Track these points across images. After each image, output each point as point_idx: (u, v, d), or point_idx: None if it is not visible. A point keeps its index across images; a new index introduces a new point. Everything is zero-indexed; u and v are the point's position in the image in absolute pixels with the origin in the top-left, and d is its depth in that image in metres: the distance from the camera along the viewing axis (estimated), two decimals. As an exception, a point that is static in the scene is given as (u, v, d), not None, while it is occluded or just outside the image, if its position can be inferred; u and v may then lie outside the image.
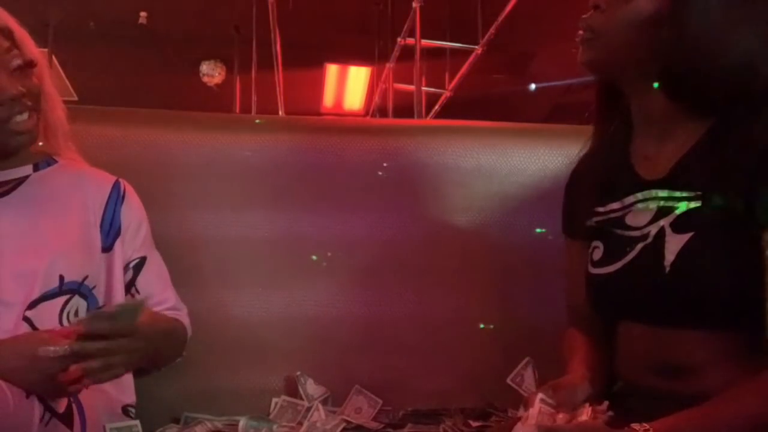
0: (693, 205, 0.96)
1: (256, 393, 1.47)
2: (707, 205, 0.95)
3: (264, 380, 1.49)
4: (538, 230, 1.54)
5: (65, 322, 1.19)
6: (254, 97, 5.87)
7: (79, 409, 1.14)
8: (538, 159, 1.59)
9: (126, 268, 1.31)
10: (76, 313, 1.21)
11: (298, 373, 1.46)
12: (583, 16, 1.04)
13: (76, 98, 6.71)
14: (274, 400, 1.45)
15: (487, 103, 6.11)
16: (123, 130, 1.54)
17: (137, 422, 1.19)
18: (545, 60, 6.45)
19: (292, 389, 1.47)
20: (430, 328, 1.54)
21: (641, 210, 1.02)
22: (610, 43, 1.01)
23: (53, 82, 1.30)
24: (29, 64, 1.21)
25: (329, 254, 1.54)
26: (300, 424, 1.39)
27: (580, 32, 1.04)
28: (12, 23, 1.22)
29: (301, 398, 1.44)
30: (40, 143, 1.28)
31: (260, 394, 1.46)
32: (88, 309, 1.22)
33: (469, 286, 1.56)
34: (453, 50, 5.26)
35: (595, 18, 1.02)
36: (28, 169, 1.26)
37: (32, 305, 1.17)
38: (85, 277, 1.23)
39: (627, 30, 0.99)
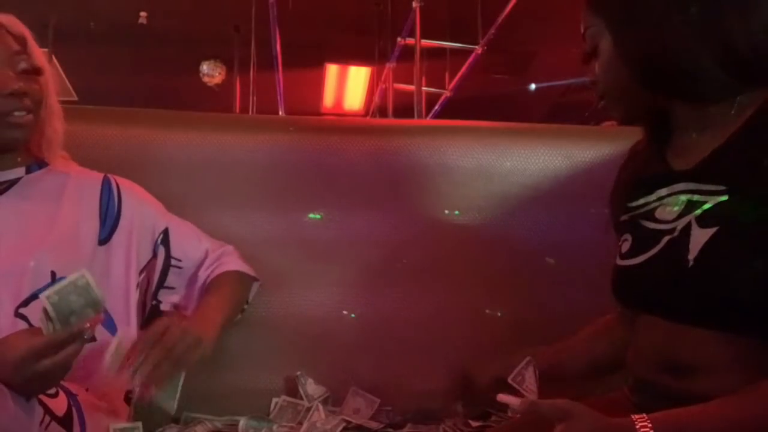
0: (720, 199, 0.96)
1: (256, 393, 1.47)
2: (734, 200, 0.95)
3: (264, 380, 1.49)
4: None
5: None
6: (253, 98, 5.87)
7: (79, 413, 1.14)
8: (538, 159, 1.59)
9: (156, 247, 1.35)
10: None
11: (298, 373, 1.46)
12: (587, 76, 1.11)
13: (76, 98, 6.72)
14: (274, 400, 1.45)
15: (487, 103, 6.11)
16: (123, 130, 1.54)
17: (139, 424, 1.21)
18: (545, 60, 6.45)
19: (292, 389, 1.47)
20: (431, 328, 1.54)
21: (671, 203, 1.02)
22: (611, 90, 1.07)
23: (57, 95, 1.33)
24: (36, 71, 1.26)
25: (329, 254, 1.54)
26: (300, 424, 1.39)
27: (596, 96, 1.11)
28: (27, 34, 1.28)
29: (301, 398, 1.44)
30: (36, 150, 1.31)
31: (260, 394, 1.46)
32: None
33: (470, 286, 1.56)
34: (453, 50, 5.26)
35: (589, 73, 1.10)
36: (20, 171, 1.28)
37: (26, 302, 1.18)
38: None
39: (611, 74, 1.05)
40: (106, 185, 1.34)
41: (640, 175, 1.11)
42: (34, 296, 1.19)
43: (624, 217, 1.11)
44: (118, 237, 1.31)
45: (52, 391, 1.11)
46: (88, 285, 0.98)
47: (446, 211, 1.57)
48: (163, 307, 1.38)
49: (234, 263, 1.41)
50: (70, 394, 1.15)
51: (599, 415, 0.90)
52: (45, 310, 0.97)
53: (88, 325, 1.00)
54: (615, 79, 1.05)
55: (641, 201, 1.08)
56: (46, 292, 0.97)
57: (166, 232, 1.37)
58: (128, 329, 1.30)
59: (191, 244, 1.39)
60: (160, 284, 1.37)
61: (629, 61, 1.02)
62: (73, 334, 0.99)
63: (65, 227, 1.27)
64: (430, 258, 1.56)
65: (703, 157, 1.00)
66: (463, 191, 1.58)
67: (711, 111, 1.01)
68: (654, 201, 1.06)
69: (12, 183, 1.27)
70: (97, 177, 1.36)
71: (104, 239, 1.30)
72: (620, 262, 1.08)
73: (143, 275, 1.35)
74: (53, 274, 1.21)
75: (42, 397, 1.07)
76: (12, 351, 0.98)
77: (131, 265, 1.32)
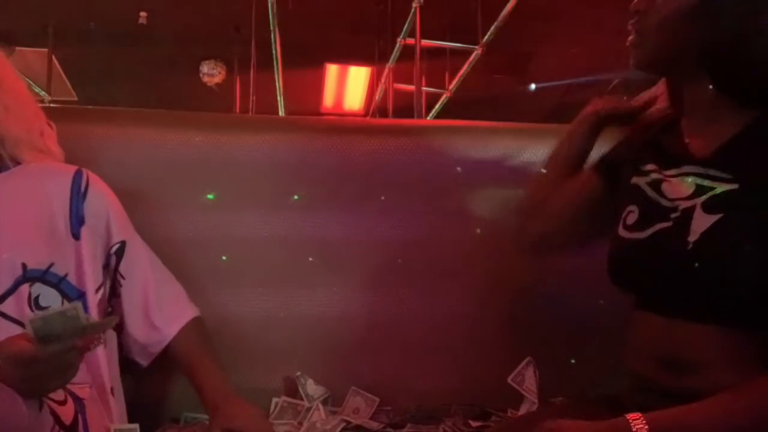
0: (728, 187, 0.96)
1: (256, 393, 1.46)
2: (742, 190, 0.95)
3: (264, 380, 1.49)
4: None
5: (36, 310, 1.20)
6: (253, 98, 5.88)
7: (84, 420, 1.16)
8: (538, 159, 1.59)
9: (109, 255, 1.33)
10: (37, 301, 1.22)
11: (298, 373, 1.46)
12: (630, 21, 1.08)
13: (76, 98, 6.72)
14: (274, 400, 1.45)
15: (487, 103, 6.12)
16: (123, 130, 1.54)
17: (137, 425, 1.21)
18: (545, 60, 6.46)
19: (292, 389, 1.47)
20: (430, 328, 1.54)
21: (680, 184, 1.02)
22: (657, 41, 1.05)
23: (21, 96, 1.30)
24: None
25: (329, 254, 1.54)
26: (300, 424, 1.39)
27: (630, 38, 1.08)
28: None
29: (301, 398, 1.44)
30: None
31: (260, 394, 1.46)
32: (63, 296, 1.23)
33: (469, 286, 1.56)
34: (453, 50, 5.26)
35: (640, 21, 1.06)
36: None
37: (2, 299, 1.19)
38: (51, 265, 1.24)
39: (670, 25, 1.03)
40: (76, 179, 1.30)
41: (656, 142, 1.11)
42: (7, 293, 1.19)
43: (635, 180, 1.10)
44: (85, 233, 1.29)
45: (61, 397, 1.12)
46: (77, 316, 0.97)
47: (446, 211, 1.57)
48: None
49: (191, 310, 1.39)
50: (76, 399, 1.16)
51: (590, 422, 0.90)
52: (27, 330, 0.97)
53: (79, 344, 0.99)
54: (670, 31, 1.02)
55: (652, 166, 1.08)
56: (33, 316, 0.97)
57: (123, 244, 1.33)
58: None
59: (140, 269, 1.35)
60: (113, 292, 1.35)
61: (705, 32, 0.98)
62: (52, 353, 0.97)
63: (36, 221, 1.26)
64: (430, 258, 1.56)
65: (717, 147, 1.00)
66: (463, 191, 1.58)
67: (734, 101, 1.01)
68: (663, 177, 1.05)
69: None
70: (68, 171, 1.32)
71: (76, 234, 1.28)
72: (625, 234, 1.07)
73: (106, 277, 1.34)
74: (24, 266, 1.21)
75: (51, 404, 1.08)
76: (7, 351, 0.98)
77: (96, 261, 1.30)
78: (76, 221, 1.28)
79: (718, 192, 0.97)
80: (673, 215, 1.00)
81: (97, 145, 1.48)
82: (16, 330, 1.15)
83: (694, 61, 1.02)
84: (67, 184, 1.30)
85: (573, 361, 1.51)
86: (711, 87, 1.01)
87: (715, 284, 0.93)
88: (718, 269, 0.93)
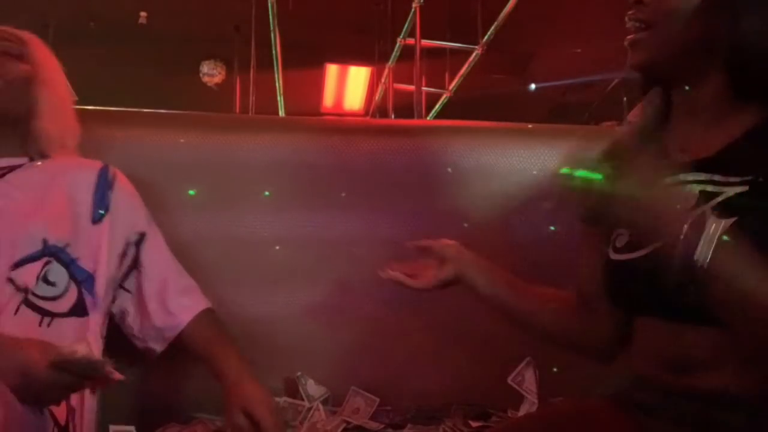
0: (739, 190, 0.93)
1: (256, 393, 1.47)
2: (755, 192, 0.92)
3: (264, 380, 1.48)
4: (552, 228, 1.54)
5: (41, 283, 1.24)
6: (253, 98, 5.88)
7: (76, 419, 1.18)
8: (538, 159, 1.59)
9: (128, 245, 1.36)
10: (46, 276, 1.25)
11: (299, 373, 1.46)
12: (629, 13, 0.99)
13: (76, 98, 6.72)
14: (275, 400, 1.45)
15: (487, 103, 6.12)
16: (123, 130, 1.54)
17: (132, 428, 1.24)
18: (545, 60, 6.46)
19: (292, 389, 1.47)
20: (431, 328, 1.54)
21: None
22: (662, 36, 0.97)
23: (61, 100, 1.40)
24: (18, 56, 1.34)
25: (329, 254, 1.54)
26: (301, 424, 1.39)
27: (630, 36, 1.00)
28: (29, 41, 1.39)
29: (302, 399, 1.44)
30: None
31: (260, 394, 1.46)
32: (70, 276, 1.27)
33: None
34: (453, 50, 5.26)
35: (642, 11, 0.98)
36: (24, 159, 1.34)
37: (15, 266, 1.23)
38: (67, 245, 1.28)
39: (678, 18, 0.95)
40: (103, 172, 1.36)
41: (636, 163, 1.08)
42: (23, 261, 1.23)
43: (617, 209, 1.09)
44: (108, 220, 1.33)
45: None
46: (99, 370, 1.01)
47: (446, 211, 1.57)
48: (114, 309, 1.37)
49: (201, 301, 1.40)
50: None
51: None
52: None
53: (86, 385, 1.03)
54: (682, 22, 0.94)
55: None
56: (65, 350, 1.01)
57: (142, 236, 1.37)
58: (96, 314, 1.30)
59: (161, 262, 1.39)
60: (121, 281, 1.37)
61: (726, 24, 0.92)
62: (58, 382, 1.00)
63: (58, 202, 1.31)
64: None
65: (720, 149, 0.97)
66: (463, 191, 1.58)
67: (741, 100, 0.97)
68: None
69: (13, 168, 1.32)
70: (95, 165, 1.38)
71: (97, 219, 1.32)
72: (616, 257, 1.04)
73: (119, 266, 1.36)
74: (45, 241, 1.26)
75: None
76: (19, 356, 1.01)
77: (112, 250, 1.33)
78: (101, 208, 1.33)
79: (728, 196, 0.93)
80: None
81: (97, 145, 1.48)
82: (15, 296, 1.21)
83: (707, 57, 0.96)
84: (93, 175, 1.35)
85: (573, 361, 1.50)
86: (723, 86, 0.96)
87: None
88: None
